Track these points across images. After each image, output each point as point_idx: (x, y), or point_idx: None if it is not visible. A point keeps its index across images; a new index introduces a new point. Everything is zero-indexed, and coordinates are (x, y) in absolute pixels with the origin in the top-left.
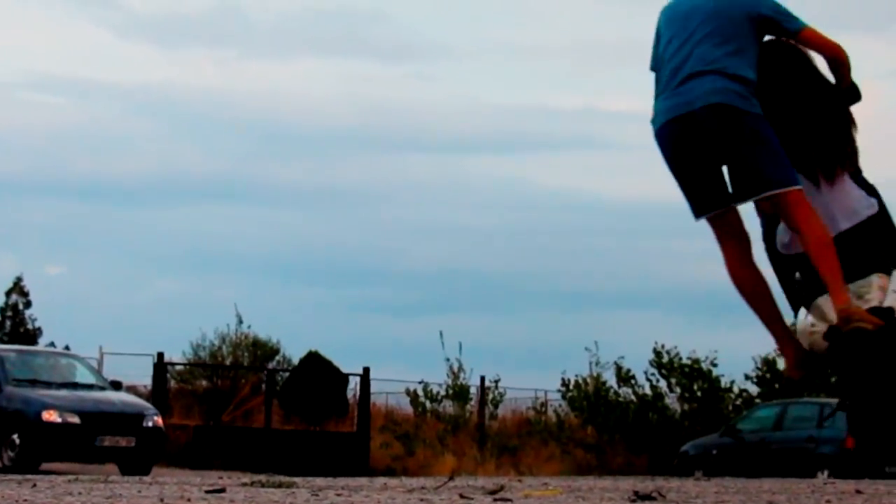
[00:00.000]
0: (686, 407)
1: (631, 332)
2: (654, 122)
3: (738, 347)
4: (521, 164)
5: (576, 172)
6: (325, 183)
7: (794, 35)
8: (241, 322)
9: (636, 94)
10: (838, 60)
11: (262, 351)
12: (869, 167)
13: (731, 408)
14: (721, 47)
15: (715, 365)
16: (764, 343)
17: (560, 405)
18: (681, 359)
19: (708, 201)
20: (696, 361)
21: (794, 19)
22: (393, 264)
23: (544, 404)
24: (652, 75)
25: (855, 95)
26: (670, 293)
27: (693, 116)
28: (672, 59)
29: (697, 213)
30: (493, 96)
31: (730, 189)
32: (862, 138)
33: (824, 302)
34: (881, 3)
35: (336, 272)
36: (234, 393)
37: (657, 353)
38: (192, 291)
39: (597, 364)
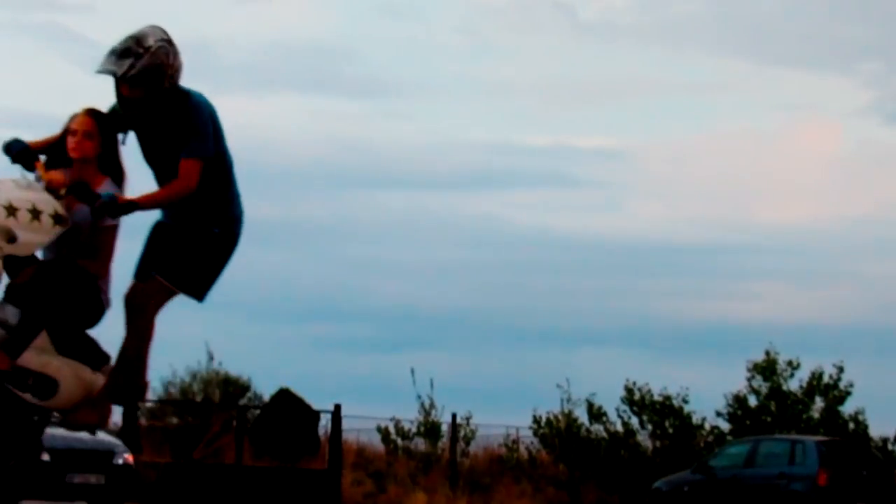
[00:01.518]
0: (658, 443)
1: (602, 369)
2: None
3: (708, 384)
4: (489, 201)
5: (545, 210)
6: (294, 219)
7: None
8: (211, 359)
9: (606, 132)
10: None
11: (233, 388)
12: (834, 203)
13: (702, 444)
14: None
15: (686, 402)
16: (735, 380)
17: (532, 442)
18: (652, 395)
19: None
20: (668, 398)
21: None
22: (362, 301)
23: (516, 441)
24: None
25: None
26: (640, 331)
27: None
28: None
29: None
30: (462, 133)
31: None
32: (829, 175)
33: None
34: (848, 41)
35: (306, 309)
36: (204, 430)
37: (629, 390)
38: (161, 327)
39: (568, 401)
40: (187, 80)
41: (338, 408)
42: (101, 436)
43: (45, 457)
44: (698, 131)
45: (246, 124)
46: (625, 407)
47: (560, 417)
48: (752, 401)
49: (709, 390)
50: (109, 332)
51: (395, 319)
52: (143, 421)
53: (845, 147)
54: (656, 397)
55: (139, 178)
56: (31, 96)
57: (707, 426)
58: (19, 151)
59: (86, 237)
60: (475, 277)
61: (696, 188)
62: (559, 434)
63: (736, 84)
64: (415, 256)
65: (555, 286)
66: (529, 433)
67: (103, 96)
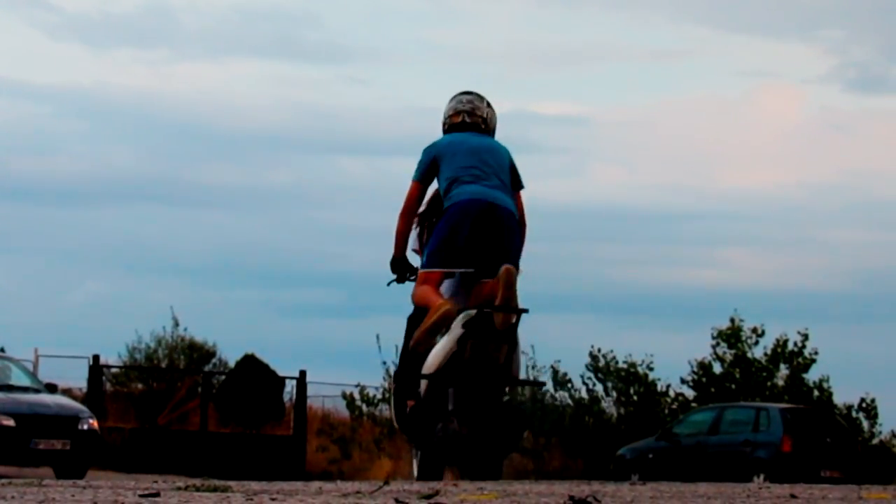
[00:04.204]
0: (622, 411)
1: (566, 336)
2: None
3: (673, 351)
4: None
5: None
6: (257, 185)
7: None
8: (177, 324)
9: (568, 98)
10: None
11: (199, 354)
12: (796, 170)
13: (667, 412)
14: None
15: (651, 369)
16: (699, 347)
17: None
18: (617, 362)
19: None
20: (633, 365)
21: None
22: (326, 267)
23: None
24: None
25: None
26: (605, 297)
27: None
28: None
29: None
30: (424, 99)
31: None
32: (791, 142)
33: None
34: (809, 8)
35: (270, 274)
36: (170, 396)
37: (593, 357)
38: (127, 293)
39: (533, 367)
40: (148, 45)
41: (303, 374)
42: (66, 401)
43: (10, 422)
44: (660, 98)
45: (208, 90)
46: (590, 374)
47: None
48: (717, 368)
49: (673, 357)
50: None
51: (360, 285)
52: (107, 386)
53: (807, 114)
54: (621, 364)
55: None
56: None
57: (672, 393)
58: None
59: None
60: None
61: (658, 155)
62: (524, 401)
63: (698, 51)
64: (378, 222)
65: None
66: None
67: (64, 62)
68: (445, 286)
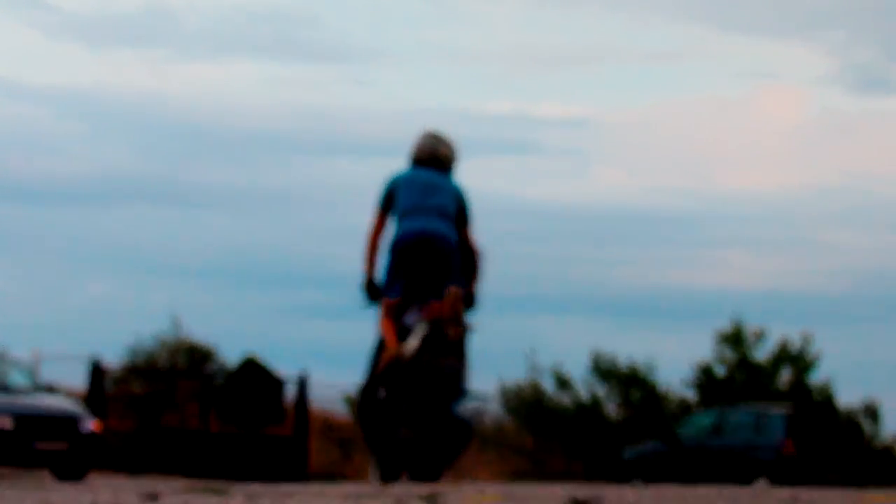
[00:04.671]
0: (624, 413)
1: (568, 338)
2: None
3: (675, 354)
4: None
5: (506, 177)
6: (258, 186)
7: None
8: (177, 326)
9: (569, 99)
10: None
11: (199, 355)
12: (797, 171)
13: (669, 414)
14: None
15: (653, 371)
16: (701, 349)
17: (496, 411)
18: (619, 365)
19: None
20: (634, 368)
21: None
22: (327, 267)
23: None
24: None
25: (471, 301)
26: (607, 299)
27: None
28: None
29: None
30: (425, 100)
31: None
32: (792, 144)
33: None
34: (811, 8)
35: (271, 276)
36: (170, 397)
37: (595, 359)
38: (127, 294)
39: (534, 370)
40: (148, 46)
41: (304, 375)
42: (66, 402)
43: (9, 424)
44: (662, 99)
45: (208, 90)
46: (591, 376)
47: (526, 386)
48: (719, 371)
49: (675, 360)
50: None
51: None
52: (108, 388)
53: (808, 115)
54: (623, 367)
55: None
56: None
57: (674, 396)
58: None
59: None
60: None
61: (660, 156)
62: (525, 403)
63: (699, 51)
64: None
65: (519, 253)
66: (494, 402)
67: (63, 62)
68: (410, 312)
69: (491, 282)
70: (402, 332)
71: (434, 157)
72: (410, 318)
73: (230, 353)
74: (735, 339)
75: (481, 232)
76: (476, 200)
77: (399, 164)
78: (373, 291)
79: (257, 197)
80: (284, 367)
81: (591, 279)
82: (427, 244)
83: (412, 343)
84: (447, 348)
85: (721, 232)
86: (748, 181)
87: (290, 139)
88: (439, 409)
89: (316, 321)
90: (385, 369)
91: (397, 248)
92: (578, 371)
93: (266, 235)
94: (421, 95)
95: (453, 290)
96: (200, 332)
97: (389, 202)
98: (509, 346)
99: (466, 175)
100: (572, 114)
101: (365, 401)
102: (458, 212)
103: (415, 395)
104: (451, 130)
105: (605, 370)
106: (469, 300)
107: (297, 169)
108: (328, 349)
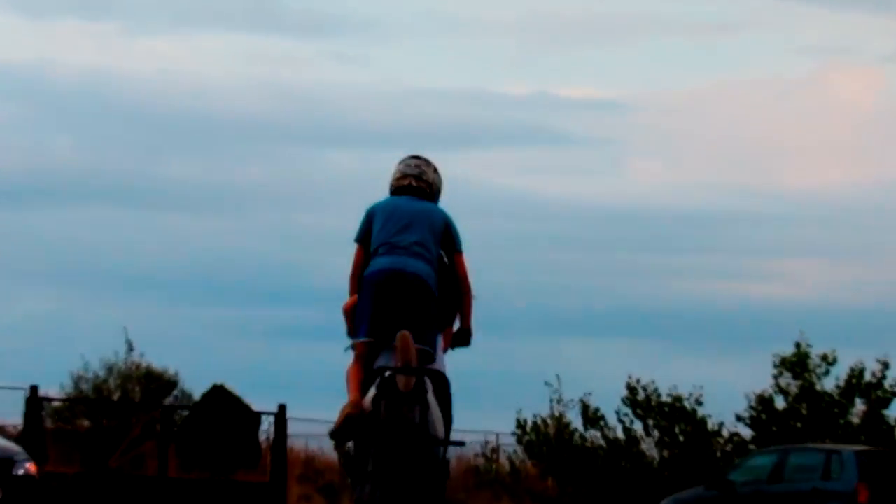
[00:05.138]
0: (666, 453)
1: (599, 364)
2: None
3: (727, 383)
4: (459, 161)
5: (525, 171)
6: (228, 182)
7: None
8: (131, 349)
9: (600, 79)
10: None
11: (157, 384)
12: (873, 166)
13: (719, 455)
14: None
15: (700, 403)
16: (758, 378)
17: (515, 451)
18: (659, 396)
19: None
20: (678, 399)
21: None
22: (311, 279)
23: (496, 450)
24: None
25: (466, 338)
26: (645, 317)
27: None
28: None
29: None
30: (427, 80)
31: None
32: (866, 133)
33: None
34: None
35: (244, 290)
36: (123, 434)
37: (631, 389)
38: (71, 312)
39: (559, 402)
40: (97, 17)
41: (282, 409)
42: None
43: None
44: (710, 79)
45: (169, 69)
46: (626, 409)
47: (549, 422)
48: (780, 402)
49: (727, 390)
50: None
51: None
52: (48, 423)
53: (885, 98)
54: (664, 398)
55: None
56: None
57: (725, 433)
58: None
59: None
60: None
61: (707, 147)
62: (548, 442)
63: (755, 23)
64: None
65: (540, 263)
66: (512, 440)
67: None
68: (383, 354)
69: (506, 296)
70: (372, 377)
71: (422, 181)
72: (382, 361)
73: (194, 382)
74: (798, 365)
75: (492, 235)
76: (489, 199)
77: (398, 156)
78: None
79: (228, 196)
80: (259, 399)
81: (626, 294)
82: (398, 281)
83: (369, 395)
84: (412, 397)
85: (781, 237)
86: (814, 177)
87: (268, 127)
88: (409, 460)
89: (296, 344)
90: (342, 424)
91: (366, 285)
92: (611, 403)
93: (238, 242)
94: (424, 75)
95: (401, 336)
96: (159, 356)
97: (368, 235)
98: (529, 374)
99: (478, 168)
100: (605, 96)
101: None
102: (444, 239)
103: (377, 450)
104: (459, 117)
105: (642, 402)
106: (462, 337)
107: (276, 163)
108: (310, 378)
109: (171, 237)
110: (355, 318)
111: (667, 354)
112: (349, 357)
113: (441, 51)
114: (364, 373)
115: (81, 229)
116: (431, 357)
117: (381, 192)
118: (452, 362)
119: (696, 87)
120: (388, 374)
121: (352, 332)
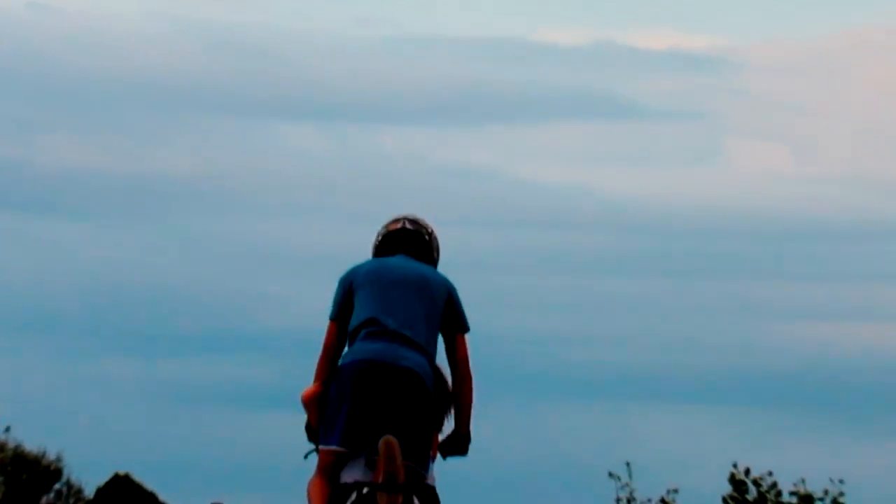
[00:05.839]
0: None
1: (688, 445)
2: None
3: (878, 474)
4: (481, 144)
5: (578, 156)
6: (137, 171)
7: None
8: None
9: (684, 25)
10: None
11: (33, 473)
12: None
13: None
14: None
15: (841, 501)
16: None
17: None
18: (780, 494)
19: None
20: (809, 497)
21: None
22: (251, 317)
23: None
24: None
25: (462, 446)
26: (752, 378)
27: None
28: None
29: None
30: (437, 28)
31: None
32: None
33: None
34: None
35: (155, 332)
36: None
37: (737, 482)
38: None
39: (629, 501)
40: None
41: None
42: None
43: None
44: (844, 28)
45: (62, 17)
46: None
47: None
48: None
49: (877, 484)
50: None
51: (305, 351)
52: None
53: None
54: (786, 496)
55: None
56: None
57: None
58: None
59: None
60: (455, 276)
61: (840, 126)
62: None
63: None
64: (354, 237)
65: (595, 295)
66: None
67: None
68: (353, 465)
69: (544, 343)
70: (340, 494)
71: (419, 225)
72: (352, 474)
73: (86, 471)
74: None
75: (528, 250)
76: (523, 196)
77: (385, 135)
78: (314, 434)
79: (136, 190)
80: (179, 495)
81: (725, 342)
82: (385, 378)
83: None
84: None
85: None
86: None
87: (196, 92)
88: None
89: (233, 412)
90: None
91: (344, 378)
92: (708, 500)
93: (148, 259)
94: (431, 21)
95: (386, 442)
96: (34, 434)
97: (347, 308)
98: (585, 458)
99: (505, 152)
100: (692, 46)
101: None
102: (447, 315)
103: None
104: (480, 80)
105: (755, 500)
106: (457, 444)
107: (205, 141)
108: (253, 461)
109: (53, 254)
110: (325, 419)
111: (787, 433)
112: (310, 463)
113: None
114: (330, 488)
115: None
116: (422, 477)
117: (371, 182)
118: (470, 453)
119: (824, 40)
120: (365, 490)
121: (315, 436)
